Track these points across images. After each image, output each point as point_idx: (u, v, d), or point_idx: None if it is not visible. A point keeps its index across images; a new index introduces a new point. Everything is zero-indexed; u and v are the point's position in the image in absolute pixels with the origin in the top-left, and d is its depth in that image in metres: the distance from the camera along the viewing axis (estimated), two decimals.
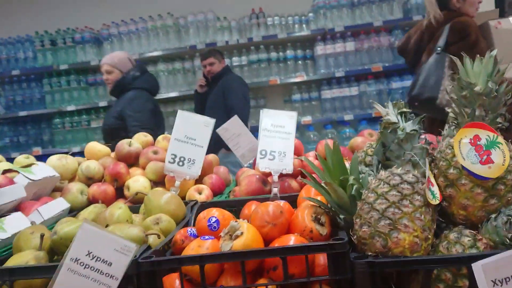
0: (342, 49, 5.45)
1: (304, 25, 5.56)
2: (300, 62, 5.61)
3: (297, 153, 2.06)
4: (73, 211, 1.90)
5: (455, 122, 1.23)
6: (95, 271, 1.14)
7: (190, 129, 1.91)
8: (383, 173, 1.22)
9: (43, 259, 1.31)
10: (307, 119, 5.50)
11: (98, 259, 1.14)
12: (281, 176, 1.87)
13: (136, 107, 3.78)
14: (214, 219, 1.32)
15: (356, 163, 1.34)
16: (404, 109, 1.36)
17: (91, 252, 1.14)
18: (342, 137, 5.39)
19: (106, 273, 1.14)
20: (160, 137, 2.31)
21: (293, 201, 1.76)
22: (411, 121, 1.32)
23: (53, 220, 1.73)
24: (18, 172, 1.77)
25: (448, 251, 1.12)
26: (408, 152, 1.24)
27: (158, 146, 2.24)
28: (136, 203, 1.87)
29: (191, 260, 1.15)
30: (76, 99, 5.62)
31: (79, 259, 1.13)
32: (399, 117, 1.34)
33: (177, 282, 1.23)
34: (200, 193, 1.96)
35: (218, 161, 2.38)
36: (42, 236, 1.33)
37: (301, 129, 5.56)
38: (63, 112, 5.66)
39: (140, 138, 2.29)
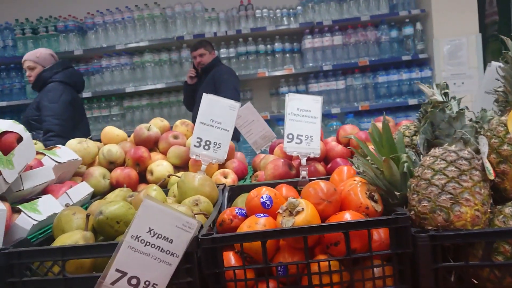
0: (330, 43, 5.50)
1: (292, 18, 5.56)
2: (288, 55, 5.62)
3: None
4: (95, 196, 1.85)
5: (506, 100, 1.27)
6: (156, 248, 1.11)
7: (216, 113, 1.89)
8: (436, 150, 1.24)
9: (91, 239, 1.27)
10: None
11: (160, 236, 1.12)
12: (308, 159, 1.88)
13: (51, 98, 3.72)
14: (267, 197, 1.31)
15: (403, 142, 1.36)
16: (447, 90, 1.39)
17: (152, 229, 1.11)
18: (329, 130, 5.43)
19: (167, 251, 1.12)
20: (178, 122, 2.28)
21: None
22: (456, 100, 1.35)
23: (79, 204, 1.68)
24: (44, 155, 1.70)
25: (505, 224, 1.15)
26: (459, 130, 1.27)
27: (176, 130, 2.21)
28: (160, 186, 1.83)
29: (254, 236, 1.14)
30: None
31: (140, 236, 1.11)
32: (443, 97, 1.37)
33: (233, 259, 1.22)
34: (226, 177, 1.94)
35: (234, 146, 2.36)
36: (87, 216, 1.29)
37: None
38: None
39: (157, 123, 2.24)
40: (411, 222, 1.19)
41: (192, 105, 4.95)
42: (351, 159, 1.83)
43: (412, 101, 5.36)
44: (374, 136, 1.34)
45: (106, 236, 1.33)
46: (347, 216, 1.20)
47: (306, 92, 5.63)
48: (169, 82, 5.50)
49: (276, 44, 5.55)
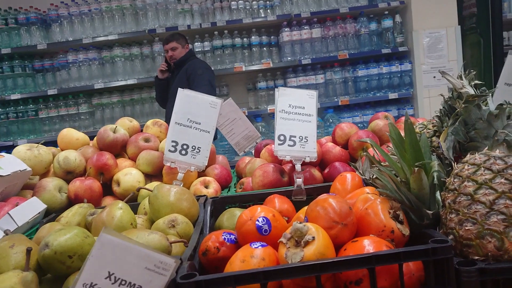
0: (308, 36, 5.28)
1: (269, 10, 5.32)
2: (265, 48, 5.37)
3: None
4: (50, 213, 1.53)
5: None
6: None
7: (194, 111, 1.60)
8: (476, 157, 0.99)
9: (33, 282, 0.96)
10: (273, 107, 5.26)
11: (123, 282, 0.82)
12: (302, 164, 1.61)
13: None
14: (264, 220, 1.03)
15: (428, 146, 1.10)
16: (478, 81, 1.14)
17: (112, 274, 0.82)
18: None
19: None
20: (149, 122, 1.97)
21: (318, 193, 1.51)
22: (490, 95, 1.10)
23: (27, 226, 1.36)
24: None
25: None
26: (501, 130, 1.02)
27: (148, 132, 1.90)
28: (127, 202, 1.53)
29: (252, 277, 0.86)
30: (21, 86, 5.02)
31: (95, 285, 0.81)
32: (475, 90, 1.12)
33: None
34: (207, 187, 1.65)
35: (215, 149, 2.08)
36: (29, 251, 0.98)
37: (266, 118, 5.36)
38: (6, 101, 5.07)
39: (125, 124, 1.92)
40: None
41: (164, 102, 4.65)
42: (353, 164, 1.57)
43: (392, 95, 5.23)
44: (395, 140, 1.07)
45: (56, 274, 1.03)
46: (369, 245, 0.93)
47: (285, 86, 5.39)
48: (141, 77, 5.17)
49: (253, 37, 5.29)
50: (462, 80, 1.13)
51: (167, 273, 0.84)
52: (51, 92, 5.02)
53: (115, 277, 0.82)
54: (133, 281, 0.82)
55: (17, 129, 5.04)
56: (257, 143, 2.17)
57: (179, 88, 1.62)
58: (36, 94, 5.07)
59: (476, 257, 0.90)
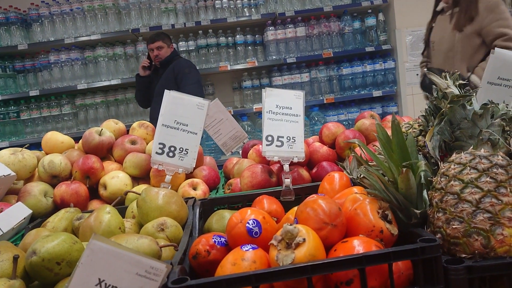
0: (293, 35, 5.30)
1: (253, 9, 5.31)
2: (250, 47, 5.36)
3: None
4: (35, 218, 1.50)
5: None
6: None
7: (181, 113, 1.59)
8: (462, 156, 1.00)
9: None
10: (259, 106, 5.28)
11: None
12: (290, 164, 1.61)
13: None
14: (254, 223, 1.03)
15: (415, 146, 1.12)
16: (462, 81, 1.16)
17: (103, 281, 0.81)
18: None
19: None
20: (135, 124, 1.95)
21: (306, 193, 1.52)
22: (474, 94, 1.12)
23: (12, 232, 1.34)
24: None
25: None
26: (486, 130, 1.03)
27: (134, 134, 1.88)
28: (115, 205, 1.52)
29: (243, 281, 0.86)
30: (2, 88, 4.93)
31: None
32: (460, 90, 1.13)
33: None
34: (195, 189, 1.65)
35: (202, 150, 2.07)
36: (15, 258, 0.96)
37: (252, 116, 5.36)
38: None
39: (111, 126, 1.90)
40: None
41: (145, 101, 4.61)
42: (340, 163, 1.58)
43: (376, 93, 5.28)
44: (382, 140, 1.08)
45: (43, 281, 1.02)
46: (359, 245, 0.94)
47: (270, 86, 5.41)
48: (125, 78, 5.12)
49: (237, 36, 5.29)
50: (446, 80, 1.14)
51: (158, 279, 0.83)
52: (33, 93, 4.93)
53: (105, 284, 0.81)
54: (124, 287, 0.82)
55: None
56: (244, 143, 2.17)
57: (165, 90, 1.61)
58: (18, 95, 4.98)
59: (464, 255, 0.92)
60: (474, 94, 1.08)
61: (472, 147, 1.04)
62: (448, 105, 1.08)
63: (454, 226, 0.93)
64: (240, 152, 2.14)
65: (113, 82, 5.05)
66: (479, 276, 0.90)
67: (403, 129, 1.39)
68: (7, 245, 1.08)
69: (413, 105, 5.22)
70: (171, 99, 1.59)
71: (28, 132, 5.03)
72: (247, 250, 0.97)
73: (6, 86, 4.98)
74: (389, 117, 2.08)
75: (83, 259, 0.80)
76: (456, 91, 1.12)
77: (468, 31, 3.07)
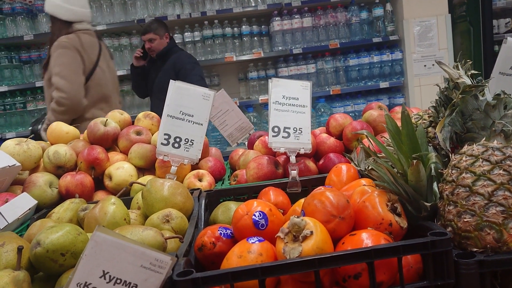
0: (299, 25, 5.24)
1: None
2: (256, 38, 5.32)
3: None
4: (40, 209, 1.50)
5: None
6: None
7: (186, 104, 1.57)
8: (474, 148, 0.98)
9: (25, 281, 0.93)
10: (264, 97, 5.25)
11: (118, 281, 0.81)
12: (297, 156, 1.59)
13: None
14: (260, 215, 1.02)
15: (425, 137, 1.09)
16: (474, 71, 1.13)
17: (107, 273, 0.80)
18: None
19: None
20: (141, 115, 1.93)
21: (313, 185, 1.50)
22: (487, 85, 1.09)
23: (18, 223, 1.33)
24: None
25: None
26: (499, 121, 1.01)
27: (139, 125, 1.86)
28: (120, 196, 1.50)
29: (249, 274, 0.85)
30: (9, 78, 4.93)
31: (89, 284, 0.79)
32: (472, 80, 1.10)
33: None
34: (200, 180, 1.63)
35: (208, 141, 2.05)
36: (20, 249, 0.95)
37: (258, 108, 5.34)
38: None
39: (116, 117, 1.88)
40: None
41: (141, 92, 4.52)
42: (347, 155, 1.56)
43: (383, 84, 5.23)
44: (391, 131, 1.06)
45: (48, 272, 1.01)
46: (367, 238, 0.92)
47: (276, 77, 5.38)
48: None
49: (243, 26, 5.24)
50: (458, 70, 1.12)
51: (163, 271, 0.82)
52: (39, 84, 4.92)
53: (110, 276, 0.80)
54: (129, 279, 0.81)
55: (5, 122, 4.95)
56: (250, 134, 2.14)
57: (171, 80, 1.59)
58: (24, 86, 4.97)
59: (475, 249, 0.90)
60: (487, 84, 1.05)
61: (484, 138, 1.01)
62: (460, 96, 1.05)
63: (465, 220, 0.91)
64: (246, 143, 2.13)
65: (119, 73, 5.01)
66: (491, 271, 0.88)
67: (413, 120, 1.37)
68: (12, 236, 1.07)
69: (420, 97, 5.16)
70: (176, 89, 1.57)
71: None
72: (253, 242, 0.95)
73: (12, 76, 4.98)
74: (397, 109, 2.05)
75: (87, 250, 0.78)
76: (468, 81, 1.09)
77: None
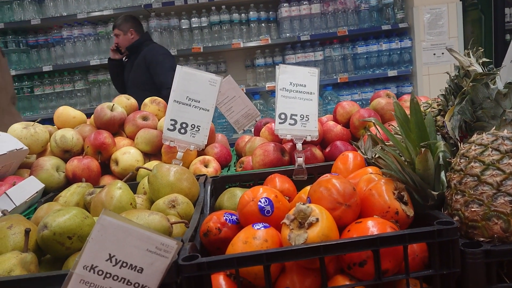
0: (308, 12, 5.19)
1: None
2: (263, 24, 5.27)
3: None
4: (47, 193, 1.51)
5: None
6: (120, 281, 0.81)
7: (193, 89, 1.56)
8: (484, 137, 0.97)
9: (32, 263, 0.94)
10: (271, 84, 5.23)
11: (124, 264, 0.81)
12: (303, 143, 1.59)
13: None
14: (266, 201, 1.02)
15: (434, 126, 1.08)
16: (485, 59, 1.11)
17: (113, 256, 0.81)
18: None
19: (135, 283, 0.82)
20: (147, 100, 1.93)
21: (319, 173, 1.50)
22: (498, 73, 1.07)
23: (25, 206, 1.34)
24: None
25: None
26: (510, 110, 0.99)
27: (146, 110, 1.86)
28: (126, 181, 1.51)
29: (254, 259, 0.85)
30: (16, 63, 4.94)
31: (96, 267, 0.80)
32: (483, 68, 1.09)
33: (224, 286, 0.93)
34: (206, 166, 1.63)
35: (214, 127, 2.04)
36: (27, 232, 0.96)
37: (264, 95, 5.31)
38: None
39: (123, 102, 1.88)
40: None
41: (119, 86, 4.44)
42: (354, 143, 1.55)
43: (391, 73, 5.18)
44: (400, 119, 1.05)
45: (55, 255, 1.02)
46: (373, 226, 0.91)
47: (283, 63, 5.33)
48: None
49: (251, 12, 5.19)
50: (469, 57, 1.10)
51: (168, 255, 0.82)
52: (46, 68, 4.94)
53: (116, 259, 0.80)
54: (135, 263, 0.81)
55: None
56: (256, 121, 2.14)
57: (177, 65, 1.58)
58: (31, 70, 4.99)
59: (482, 239, 0.89)
60: (498, 72, 1.03)
61: (494, 127, 1.00)
62: (471, 84, 1.03)
63: (473, 209, 0.90)
64: (252, 130, 2.12)
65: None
66: (497, 261, 0.87)
67: (422, 109, 1.35)
68: (19, 219, 1.08)
69: (429, 86, 5.11)
70: (183, 74, 1.56)
71: (42, 107, 5.05)
72: (259, 228, 0.95)
73: (19, 61, 4.99)
74: (405, 97, 2.03)
75: (94, 234, 0.79)
76: (479, 69, 1.07)
77: None
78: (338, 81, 5.24)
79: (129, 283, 0.81)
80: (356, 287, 0.88)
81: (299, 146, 1.54)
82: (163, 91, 3.67)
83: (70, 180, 1.57)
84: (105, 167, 1.69)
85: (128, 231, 0.80)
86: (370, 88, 5.29)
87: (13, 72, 4.92)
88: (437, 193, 0.98)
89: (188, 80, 1.57)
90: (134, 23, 4.22)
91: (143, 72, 3.97)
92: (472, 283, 0.87)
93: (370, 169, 1.23)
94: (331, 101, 5.11)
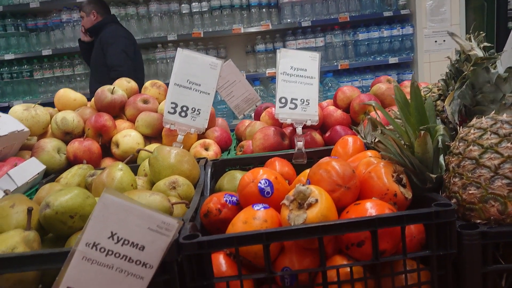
0: None
1: None
2: (264, 10, 5.23)
3: None
4: (48, 174, 1.52)
5: None
6: (122, 258, 0.82)
7: (194, 72, 1.56)
8: (483, 120, 0.97)
9: (35, 241, 0.96)
10: (272, 70, 5.21)
11: (126, 242, 0.82)
12: (303, 128, 1.59)
13: None
14: (266, 182, 1.03)
15: (433, 110, 1.09)
16: (487, 43, 1.11)
17: (115, 234, 0.82)
18: None
19: (137, 261, 0.83)
20: (148, 83, 1.93)
21: (319, 157, 1.50)
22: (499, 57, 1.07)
23: (27, 187, 1.35)
24: None
25: None
26: (510, 94, 1.00)
27: (146, 93, 1.86)
28: (127, 163, 1.52)
29: (254, 238, 0.86)
30: (15, 46, 4.91)
31: (98, 244, 0.81)
32: (484, 52, 1.09)
33: (224, 264, 0.95)
34: (207, 149, 1.64)
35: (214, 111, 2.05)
36: (30, 210, 0.97)
37: (264, 81, 5.30)
38: (0, 61, 4.95)
39: (123, 85, 1.88)
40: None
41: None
42: (354, 127, 1.56)
43: (392, 60, 5.16)
44: (400, 102, 1.05)
45: (57, 234, 1.03)
46: (372, 207, 0.92)
47: None
48: (137, 38, 4.99)
49: None
50: (471, 42, 1.10)
51: (170, 234, 0.84)
52: (45, 52, 4.90)
53: (118, 237, 0.82)
54: (136, 241, 0.82)
55: (12, 90, 4.96)
56: (256, 106, 2.14)
57: (178, 48, 1.58)
58: (31, 54, 4.95)
59: (478, 221, 0.90)
60: (499, 56, 1.04)
61: (493, 112, 1.00)
62: (471, 68, 1.04)
63: (470, 192, 0.91)
64: (253, 115, 2.12)
65: None
66: (493, 242, 0.89)
67: (422, 93, 1.35)
68: (22, 198, 1.09)
69: (429, 73, 5.10)
70: (183, 57, 1.56)
71: (42, 91, 5.04)
72: (259, 209, 0.97)
73: (19, 45, 4.95)
74: (406, 83, 2.03)
75: (96, 212, 0.80)
76: (480, 53, 1.07)
77: None
78: (339, 67, 5.23)
79: (130, 261, 0.82)
80: (353, 267, 0.89)
81: (299, 130, 1.54)
82: (111, 73, 3.63)
83: (71, 162, 1.58)
84: (106, 150, 1.70)
85: (130, 209, 0.81)
86: (371, 75, 5.27)
87: (12, 56, 4.89)
88: (435, 175, 0.99)
89: (188, 63, 1.57)
90: (96, 4, 4.19)
91: (100, 53, 3.93)
92: (468, 264, 0.89)
93: (369, 152, 1.24)
94: (331, 88, 5.09)
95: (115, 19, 4.30)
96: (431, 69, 5.08)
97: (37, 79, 4.99)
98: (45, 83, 5.02)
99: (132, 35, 4.30)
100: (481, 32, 1.14)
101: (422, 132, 0.94)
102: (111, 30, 4.07)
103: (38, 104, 1.72)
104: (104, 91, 1.77)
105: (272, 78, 5.17)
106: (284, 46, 5.27)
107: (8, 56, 4.87)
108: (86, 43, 4.28)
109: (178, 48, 1.57)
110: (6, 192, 1.20)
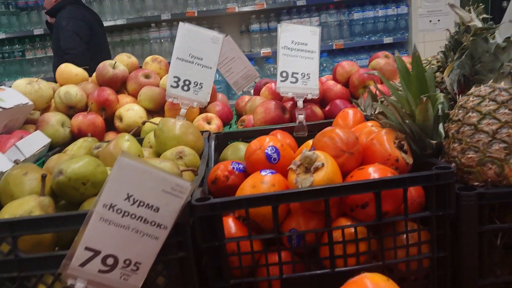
0: None
1: None
2: None
3: None
4: (53, 148, 1.54)
5: None
6: (137, 219, 0.86)
7: (196, 47, 1.58)
8: (482, 89, 1.01)
9: (50, 206, 0.99)
10: (266, 50, 5.21)
11: (142, 203, 0.86)
12: (304, 101, 1.62)
13: None
14: (273, 149, 1.06)
15: (433, 79, 1.12)
16: (486, 15, 1.15)
17: (131, 196, 0.85)
18: None
19: (152, 222, 0.86)
20: (148, 59, 1.94)
21: (320, 130, 1.54)
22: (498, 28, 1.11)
23: (33, 159, 1.38)
24: None
25: None
26: (507, 63, 1.03)
27: (147, 68, 1.88)
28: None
29: (264, 200, 0.90)
30: (6, 25, 4.84)
31: (115, 206, 0.84)
32: (483, 23, 1.12)
33: (233, 227, 0.99)
34: (209, 123, 1.67)
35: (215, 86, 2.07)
36: (43, 177, 1.00)
37: (259, 61, 5.29)
38: None
39: (124, 60, 1.89)
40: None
41: None
42: (354, 100, 1.59)
43: (387, 40, 5.17)
44: (401, 71, 1.09)
45: (69, 200, 1.06)
46: (374, 172, 0.96)
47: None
48: (130, 18, 5.00)
49: None
50: (470, 13, 1.13)
51: (183, 196, 0.87)
52: (37, 32, 4.85)
53: (133, 199, 0.85)
54: (151, 203, 0.86)
55: (3, 70, 4.91)
56: (255, 82, 2.16)
57: (180, 22, 1.59)
58: (22, 33, 4.89)
59: (476, 183, 0.95)
60: (498, 27, 1.07)
61: (492, 80, 1.04)
62: (471, 38, 1.07)
63: (469, 156, 0.95)
64: (252, 91, 2.15)
65: (119, 22, 4.95)
66: (490, 203, 0.93)
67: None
68: (33, 166, 1.11)
69: (423, 53, 5.11)
70: (185, 31, 1.58)
71: (34, 71, 4.99)
72: (266, 174, 1.00)
73: (9, 24, 4.89)
74: (404, 58, 2.06)
75: (113, 174, 0.83)
76: (479, 24, 1.10)
77: None
78: (334, 47, 5.23)
79: (146, 222, 0.86)
80: (358, 228, 0.93)
81: (300, 103, 1.58)
82: (65, 56, 3.49)
83: (75, 136, 1.60)
84: (109, 124, 1.72)
85: (145, 172, 0.85)
86: (366, 55, 5.27)
87: (3, 35, 4.82)
88: (435, 141, 1.03)
89: (190, 37, 1.58)
90: None
91: (56, 37, 3.81)
92: (465, 224, 0.93)
93: (370, 123, 1.28)
94: (326, 68, 5.10)
95: (74, 1, 4.04)
96: (425, 48, 5.10)
97: (29, 59, 4.95)
98: (37, 63, 4.98)
99: (93, 17, 4.05)
100: (480, 4, 1.16)
101: (424, 98, 0.97)
102: (66, 11, 3.87)
103: (40, 78, 1.72)
104: (106, 66, 1.78)
105: (267, 58, 5.16)
106: None
107: None
108: (52, 25, 4.10)
109: (180, 23, 1.58)
110: (16, 162, 1.22)
